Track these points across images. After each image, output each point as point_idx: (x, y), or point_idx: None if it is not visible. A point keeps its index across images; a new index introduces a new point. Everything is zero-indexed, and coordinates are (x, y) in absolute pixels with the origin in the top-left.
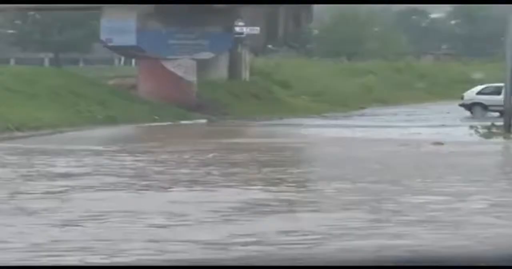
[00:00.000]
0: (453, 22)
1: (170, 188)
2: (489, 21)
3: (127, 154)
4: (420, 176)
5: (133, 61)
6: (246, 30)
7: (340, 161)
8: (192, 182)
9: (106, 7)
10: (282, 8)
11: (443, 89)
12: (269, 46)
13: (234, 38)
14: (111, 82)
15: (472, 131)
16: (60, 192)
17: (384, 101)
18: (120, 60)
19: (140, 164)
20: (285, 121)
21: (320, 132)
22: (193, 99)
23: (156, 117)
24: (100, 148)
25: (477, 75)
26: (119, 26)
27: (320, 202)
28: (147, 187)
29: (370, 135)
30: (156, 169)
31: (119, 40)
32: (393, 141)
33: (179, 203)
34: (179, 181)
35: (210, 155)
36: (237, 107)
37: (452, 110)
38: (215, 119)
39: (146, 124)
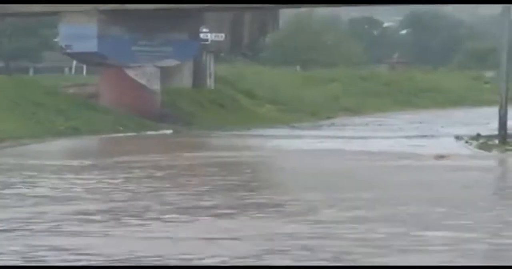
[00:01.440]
0: (404, 31)
1: (190, 218)
2: (441, 30)
3: (107, 171)
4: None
5: (84, 69)
6: (210, 36)
7: (353, 181)
8: (205, 209)
9: (65, 11)
10: (248, 15)
11: (409, 97)
12: (222, 54)
13: (199, 45)
14: (70, 90)
15: (462, 142)
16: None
17: (350, 110)
18: (70, 69)
19: (127, 184)
20: (254, 131)
21: (297, 144)
22: (157, 108)
23: (121, 128)
24: (76, 163)
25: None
26: (79, 31)
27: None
28: (163, 216)
29: (358, 147)
30: (153, 190)
31: (79, 47)
32: (389, 154)
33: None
34: (196, 207)
35: None
36: (203, 116)
37: (423, 119)
38: (181, 129)
39: (111, 135)
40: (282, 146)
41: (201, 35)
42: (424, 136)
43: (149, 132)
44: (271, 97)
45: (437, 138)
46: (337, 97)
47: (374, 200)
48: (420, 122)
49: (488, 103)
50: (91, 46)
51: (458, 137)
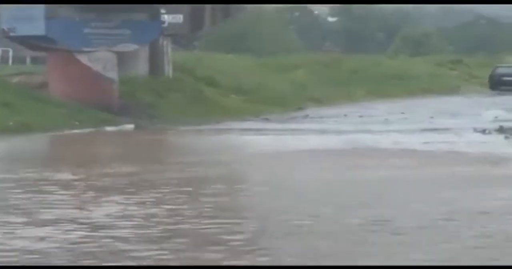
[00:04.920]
0: (334, 19)
1: None
2: (371, 18)
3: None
4: None
5: (10, 58)
6: (168, 18)
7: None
8: None
9: None
10: None
11: (378, 86)
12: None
13: (161, 28)
14: (14, 80)
15: (495, 136)
16: None
17: (320, 100)
18: None
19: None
20: (225, 125)
21: (290, 141)
22: (115, 99)
23: (76, 123)
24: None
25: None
26: (24, 12)
27: None
28: None
29: (373, 143)
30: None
31: (24, 29)
32: (449, 157)
33: None
34: None
35: None
36: (164, 108)
37: (403, 109)
38: (143, 123)
39: (66, 132)
40: (273, 145)
41: None
42: (435, 130)
43: (108, 128)
44: (235, 85)
45: (456, 132)
46: (303, 86)
47: None
48: (402, 112)
49: (460, 90)
50: (38, 28)
51: (484, 131)
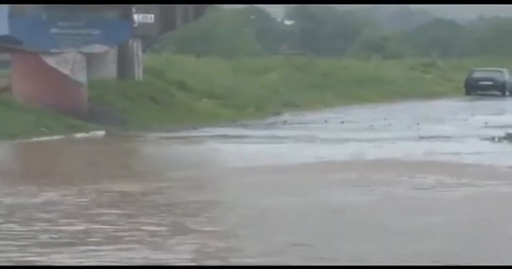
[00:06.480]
0: (290, 22)
1: None
2: (328, 21)
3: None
4: None
5: None
6: (138, 18)
7: None
8: None
9: None
10: None
11: (353, 90)
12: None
13: (133, 28)
14: None
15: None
16: None
17: (295, 105)
18: None
19: None
20: (203, 131)
21: (279, 149)
22: (84, 104)
23: (44, 130)
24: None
25: None
26: None
27: None
28: None
29: (386, 154)
30: None
31: None
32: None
33: None
34: None
35: None
36: (135, 113)
37: (384, 114)
38: (115, 130)
39: (34, 139)
40: (264, 156)
41: None
42: (434, 137)
43: (78, 135)
44: (206, 89)
45: (460, 140)
46: (276, 90)
47: None
48: (385, 118)
49: (437, 94)
50: (1, 28)
51: (493, 139)
